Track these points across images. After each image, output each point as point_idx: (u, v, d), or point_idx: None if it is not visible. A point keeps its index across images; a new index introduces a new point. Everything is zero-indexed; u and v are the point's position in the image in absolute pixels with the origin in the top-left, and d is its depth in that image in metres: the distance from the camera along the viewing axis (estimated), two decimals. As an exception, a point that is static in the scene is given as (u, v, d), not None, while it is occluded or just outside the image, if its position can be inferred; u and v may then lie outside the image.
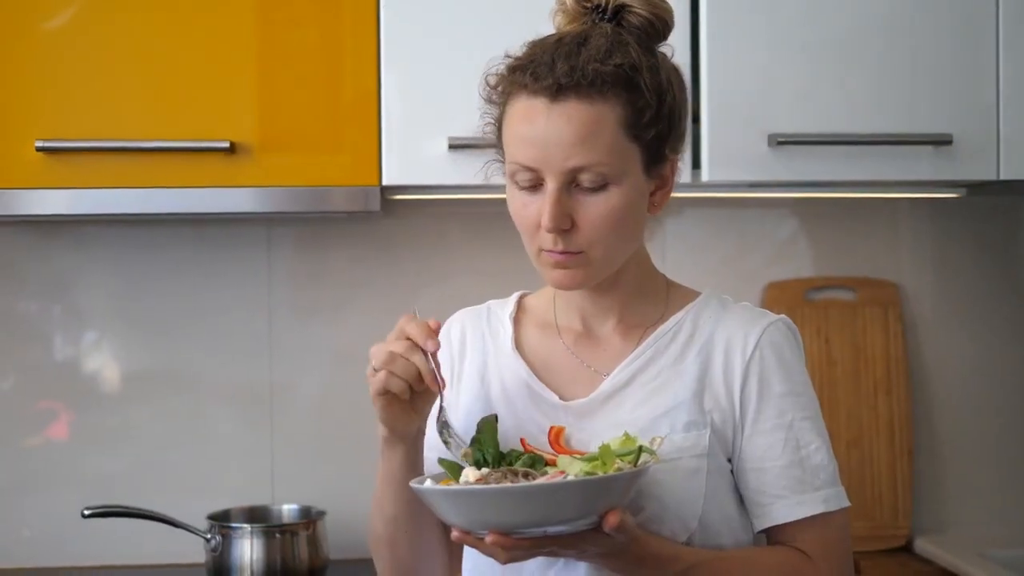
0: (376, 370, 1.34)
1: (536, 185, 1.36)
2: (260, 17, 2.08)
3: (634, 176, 1.38)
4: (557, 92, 1.33)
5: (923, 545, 2.42)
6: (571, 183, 1.35)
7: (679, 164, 1.45)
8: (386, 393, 1.34)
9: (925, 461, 2.53)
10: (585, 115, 1.33)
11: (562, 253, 1.36)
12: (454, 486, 1.28)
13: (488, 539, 1.24)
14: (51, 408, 2.43)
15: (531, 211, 1.37)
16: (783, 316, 1.48)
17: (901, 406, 2.48)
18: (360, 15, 2.08)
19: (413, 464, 1.42)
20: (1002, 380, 2.57)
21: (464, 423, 1.45)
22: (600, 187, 1.35)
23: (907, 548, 2.46)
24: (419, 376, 1.33)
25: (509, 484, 1.26)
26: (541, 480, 1.27)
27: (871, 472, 2.46)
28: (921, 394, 2.54)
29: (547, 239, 1.36)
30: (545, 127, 1.34)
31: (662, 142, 1.40)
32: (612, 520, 1.24)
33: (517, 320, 1.53)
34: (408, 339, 1.34)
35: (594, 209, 1.35)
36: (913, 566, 2.36)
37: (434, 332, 1.35)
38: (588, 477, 1.25)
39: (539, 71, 1.34)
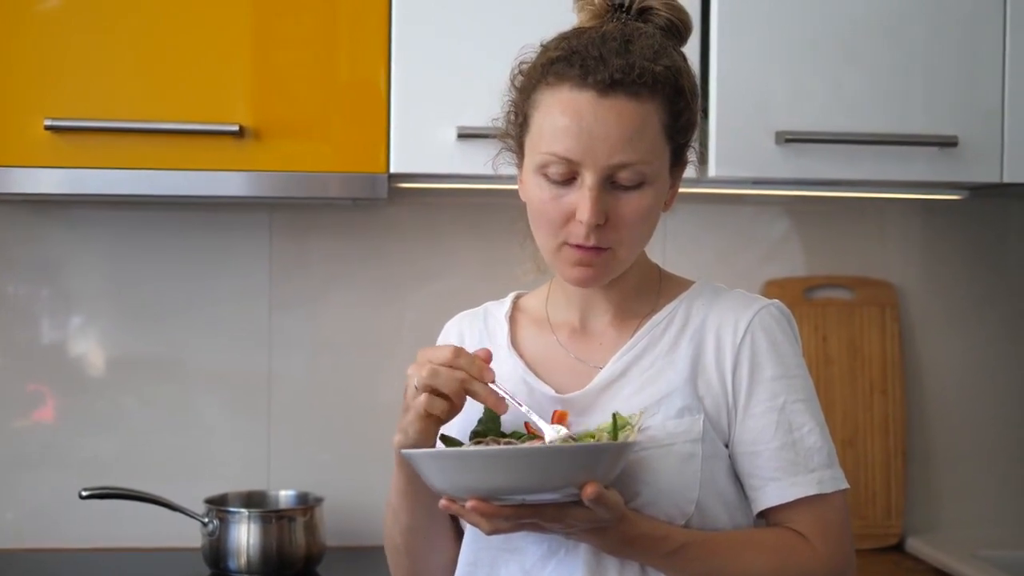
0: (419, 389, 1.33)
1: (570, 179, 1.36)
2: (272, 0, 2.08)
3: (664, 177, 1.40)
4: (608, 87, 1.33)
5: (915, 544, 2.44)
6: (608, 179, 1.35)
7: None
8: (428, 416, 1.34)
9: (919, 461, 2.55)
10: (634, 112, 1.34)
11: (590, 249, 1.36)
12: (437, 450, 1.30)
13: (468, 504, 1.25)
14: (39, 391, 2.41)
15: (562, 204, 1.36)
16: (776, 301, 1.48)
17: (896, 406, 2.50)
18: (372, 1, 2.07)
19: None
20: (997, 383, 2.59)
21: (462, 422, 1.45)
22: (636, 185, 1.36)
23: (899, 547, 2.47)
24: (460, 394, 1.33)
25: (484, 447, 1.28)
26: (517, 445, 1.28)
27: (865, 471, 2.48)
28: (916, 395, 2.56)
29: (578, 233, 1.36)
30: (592, 121, 1.33)
31: (688, 146, 1.43)
32: (589, 490, 1.23)
33: (513, 319, 1.54)
34: (450, 366, 1.33)
35: (628, 207, 1.36)
36: (905, 565, 2.37)
37: (486, 361, 1.35)
38: (563, 445, 1.27)
39: (589, 64, 1.33)
